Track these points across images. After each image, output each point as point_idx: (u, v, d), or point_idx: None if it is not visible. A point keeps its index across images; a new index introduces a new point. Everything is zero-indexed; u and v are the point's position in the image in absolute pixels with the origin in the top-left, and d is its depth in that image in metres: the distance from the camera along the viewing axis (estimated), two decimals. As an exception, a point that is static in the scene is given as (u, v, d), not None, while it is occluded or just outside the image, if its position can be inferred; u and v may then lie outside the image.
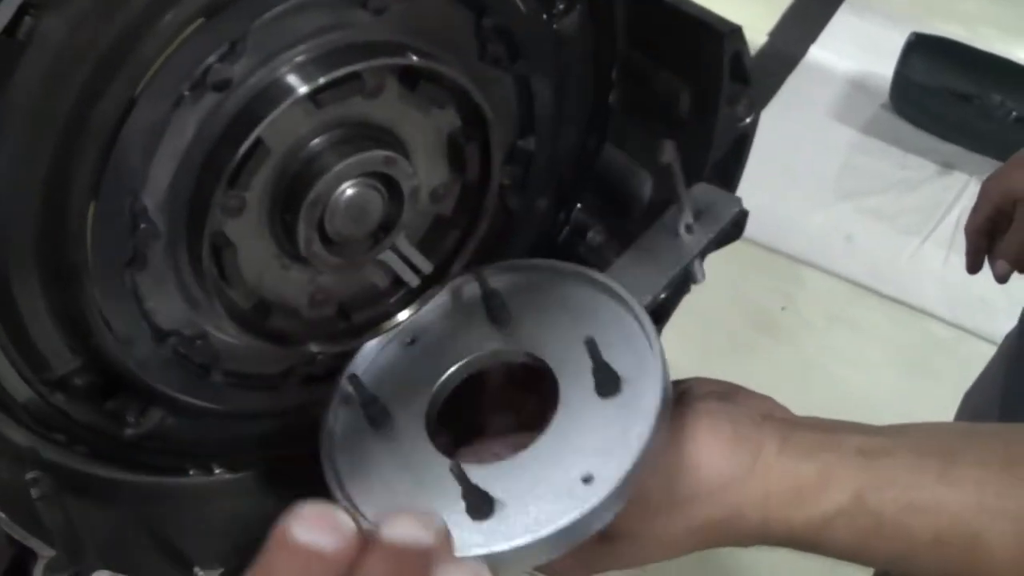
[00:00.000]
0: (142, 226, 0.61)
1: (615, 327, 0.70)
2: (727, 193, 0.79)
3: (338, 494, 0.67)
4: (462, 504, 0.63)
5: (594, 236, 0.82)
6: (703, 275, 0.78)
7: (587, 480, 0.63)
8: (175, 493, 0.73)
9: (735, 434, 0.67)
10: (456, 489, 0.63)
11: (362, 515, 0.65)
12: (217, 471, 0.75)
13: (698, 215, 0.76)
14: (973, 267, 1.63)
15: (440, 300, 0.75)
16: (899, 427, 0.69)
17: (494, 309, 0.73)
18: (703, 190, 0.78)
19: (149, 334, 0.66)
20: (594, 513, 0.62)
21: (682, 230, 0.76)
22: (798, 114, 2.66)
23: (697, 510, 0.67)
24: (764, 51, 2.79)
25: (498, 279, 0.74)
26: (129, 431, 0.69)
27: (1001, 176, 1.57)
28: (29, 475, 0.63)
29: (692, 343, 2.02)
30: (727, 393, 0.73)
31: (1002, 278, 1.59)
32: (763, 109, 2.73)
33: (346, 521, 0.49)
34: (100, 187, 0.58)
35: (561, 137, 0.77)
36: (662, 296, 0.75)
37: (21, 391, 0.64)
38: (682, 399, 0.70)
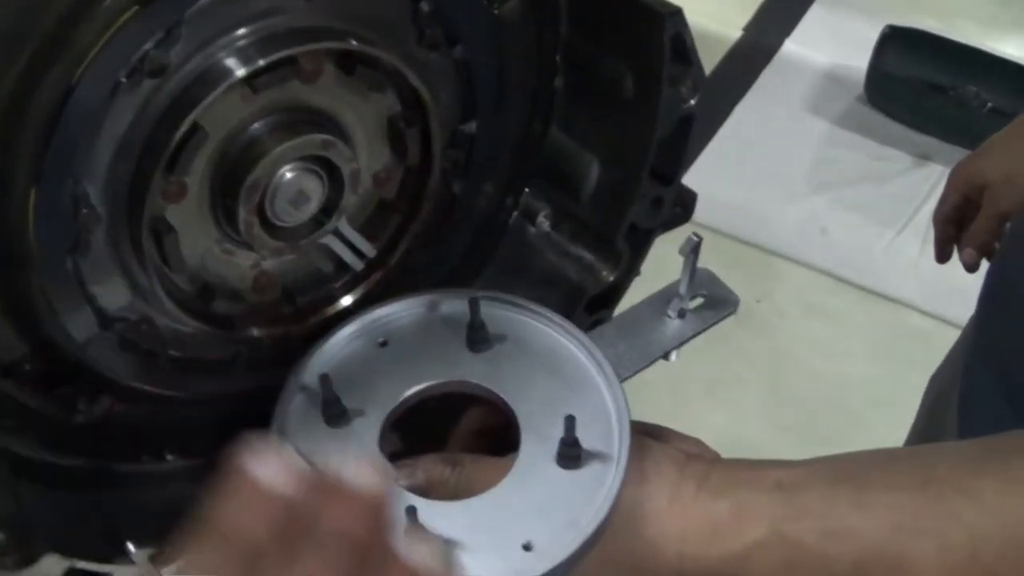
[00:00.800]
0: (83, 211, 0.61)
1: (591, 400, 0.70)
2: (727, 289, 0.81)
3: None
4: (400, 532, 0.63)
5: (543, 220, 0.83)
6: (676, 357, 0.80)
7: (527, 548, 0.63)
8: (127, 479, 0.73)
9: (655, 472, 0.68)
10: (400, 515, 0.62)
11: None
12: (169, 458, 0.75)
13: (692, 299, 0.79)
14: (941, 256, 1.64)
15: (420, 308, 0.75)
16: (817, 459, 0.69)
17: (476, 339, 0.73)
18: (705, 277, 0.79)
19: (94, 320, 0.66)
20: None
21: (674, 314, 0.77)
22: (773, 107, 2.68)
23: (612, 543, 0.66)
24: (739, 45, 2.80)
25: (488, 307, 0.74)
26: (79, 417, 0.69)
27: (967, 164, 1.58)
28: None
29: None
30: (655, 432, 0.73)
31: (971, 266, 1.60)
32: (738, 103, 2.75)
33: (300, 461, 0.50)
34: (41, 173, 0.59)
35: (505, 122, 0.77)
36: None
37: None
38: None
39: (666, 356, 0.78)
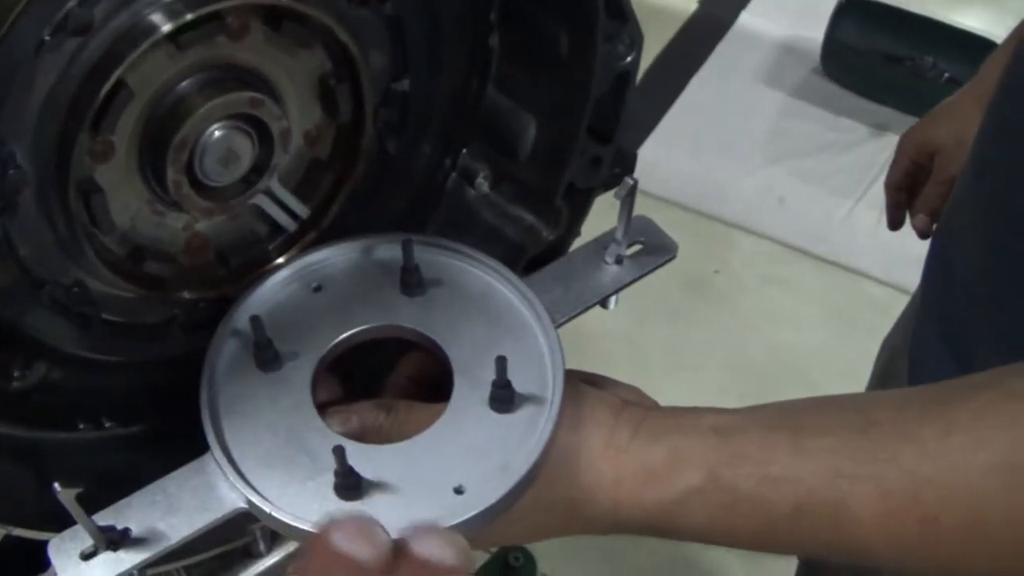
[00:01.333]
0: (10, 172, 0.61)
1: (525, 344, 0.70)
2: (665, 235, 0.80)
3: (209, 428, 0.66)
4: (331, 477, 0.63)
5: (481, 182, 0.82)
6: (615, 304, 0.79)
7: (459, 491, 0.63)
8: (65, 447, 0.73)
9: (591, 417, 0.67)
10: (330, 459, 0.62)
11: (228, 451, 0.65)
12: (108, 424, 0.74)
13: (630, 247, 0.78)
14: (893, 223, 1.64)
15: (354, 253, 0.75)
16: (755, 407, 0.69)
17: (410, 283, 0.72)
18: (643, 224, 0.78)
19: (26, 283, 0.66)
20: (457, 527, 0.62)
21: (611, 260, 0.77)
22: (729, 79, 2.68)
23: (547, 488, 0.66)
24: (695, 17, 2.80)
25: (422, 252, 0.73)
26: (15, 384, 0.68)
27: (917, 130, 1.59)
28: None
29: (627, 308, 2.02)
30: (593, 380, 0.73)
31: (923, 232, 1.61)
32: (694, 75, 2.75)
33: (380, 532, 0.54)
34: None
35: (440, 80, 0.77)
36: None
37: None
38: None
39: (603, 303, 0.78)
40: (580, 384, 0.70)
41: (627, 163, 0.83)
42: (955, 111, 1.54)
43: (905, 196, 1.61)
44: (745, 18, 2.85)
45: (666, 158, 2.38)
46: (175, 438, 0.75)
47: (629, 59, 0.75)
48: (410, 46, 0.73)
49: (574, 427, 0.66)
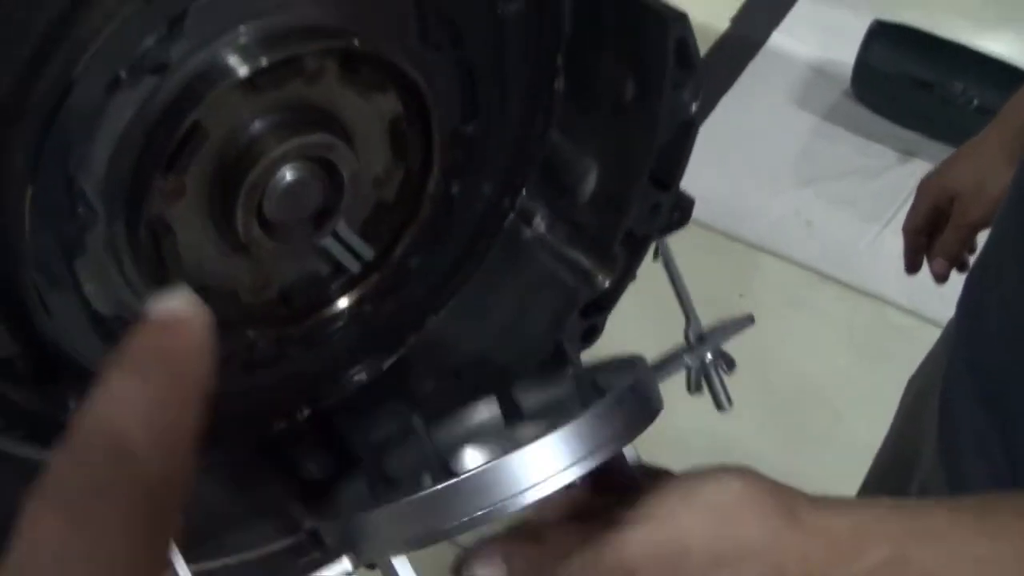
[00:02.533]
0: (80, 211, 0.61)
1: None
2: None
3: None
4: None
5: (539, 222, 0.82)
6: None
7: None
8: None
9: (772, 494, 0.67)
10: None
11: None
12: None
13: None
14: (911, 266, 1.64)
15: None
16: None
17: None
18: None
19: (88, 319, 0.66)
20: None
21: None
22: (759, 100, 2.68)
23: (739, 571, 0.65)
24: (726, 37, 2.80)
25: None
26: (70, 415, 0.69)
27: (937, 174, 1.59)
28: None
29: (650, 330, 2.03)
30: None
31: (941, 277, 1.61)
32: (724, 95, 2.75)
33: None
34: (37, 172, 0.58)
35: (505, 123, 0.77)
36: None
37: None
38: (707, 472, 0.70)
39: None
40: (741, 468, 0.70)
41: (685, 207, 0.83)
42: (976, 154, 1.54)
43: (924, 240, 1.61)
44: (777, 39, 2.85)
45: (693, 178, 2.37)
46: (224, 469, 0.76)
47: (693, 107, 0.75)
48: (479, 89, 0.73)
49: (758, 504, 0.66)
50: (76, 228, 0.61)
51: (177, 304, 0.41)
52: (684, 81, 0.73)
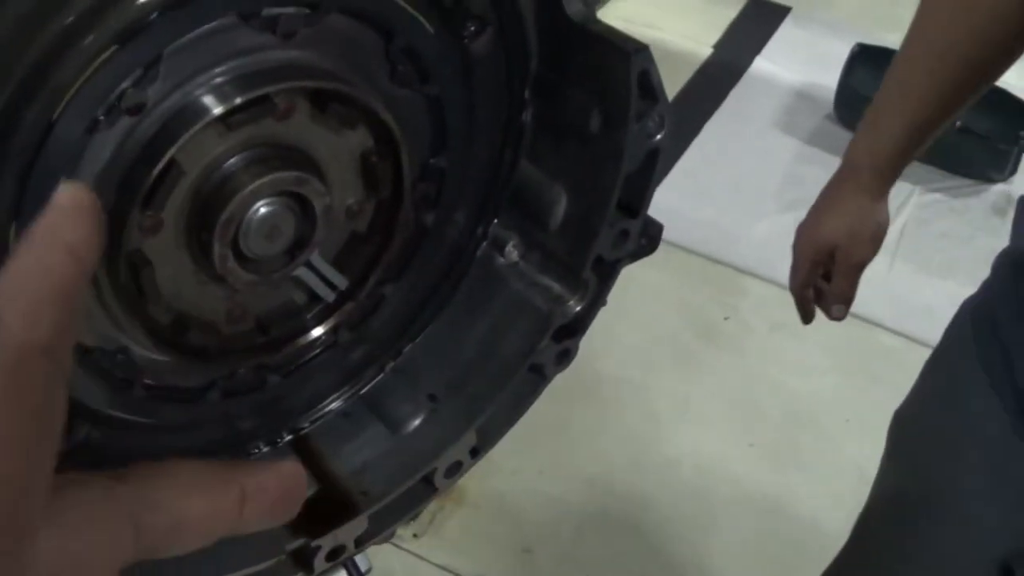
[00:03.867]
0: None
1: None
2: None
3: None
4: None
5: (511, 250, 0.84)
6: None
7: None
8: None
9: None
10: None
11: None
12: (144, 482, 0.76)
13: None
14: (806, 318, 1.69)
15: None
16: None
17: None
18: None
19: (74, 349, 0.68)
20: None
21: None
22: (743, 125, 2.70)
23: None
24: (709, 63, 2.83)
25: None
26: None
27: (808, 233, 1.65)
28: None
29: (638, 354, 2.06)
30: None
31: (841, 318, 1.66)
32: (708, 120, 2.77)
33: None
34: (20, 208, 0.60)
35: (475, 154, 0.79)
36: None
37: None
38: None
39: None
40: None
41: (653, 234, 0.85)
42: (840, 207, 1.59)
43: (812, 292, 1.66)
44: (759, 64, 2.87)
45: (678, 203, 2.40)
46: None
47: (659, 137, 0.77)
48: (449, 123, 0.75)
49: None
50: None
51: (56, 193, 0.46)
52: (648, 111, 0.76)
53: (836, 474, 2.05)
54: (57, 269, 0.46)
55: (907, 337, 2.33)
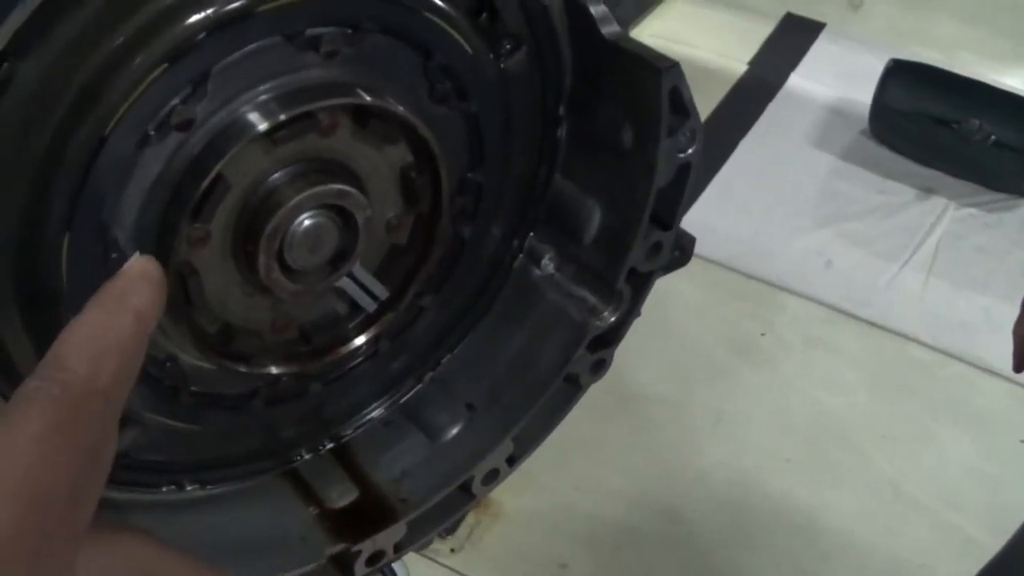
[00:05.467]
0: (113, 256, 0.65)
1: None
2: None
3: None
4: None
5: (547, 263, 0.86)
6: None
7: None
8: (149, 508, 0.77)
9: None
10: None
11: None
12: (189, 488, 0.78)
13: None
14: (1018, 366, 1.66)
15: None
16: None
17: None
18: None
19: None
20: None
21: None
22: (778, 141, 2.71)
23: None
24: (744, 80, 2.84)
25: None
26: None
27: None
28: None
29: (674, 368, 2.06)
30: None
31: None
32: (744, 137, 2.78)
33: None
34: (73, 220, 0.62)
35: (511, 169, 0.81)
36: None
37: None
38: None
39: None
40: None
41: (685, 246, 0.86)
42: None
43: None
44: (794, 80, 2.88)
45: (714, 219, 2.41)
46: (253, 498, 0.80)
47: (691, 151, 0.79)
48: (485, 139, 0.77)
49: None
50: (109, 273, 0.65)
51: (130, 260, 0.56)
52: (679, 127, 0.77)
53: (870, 489, 2.04)
54: (122, 328, 0.55)
55: (941, 352, 2.33)
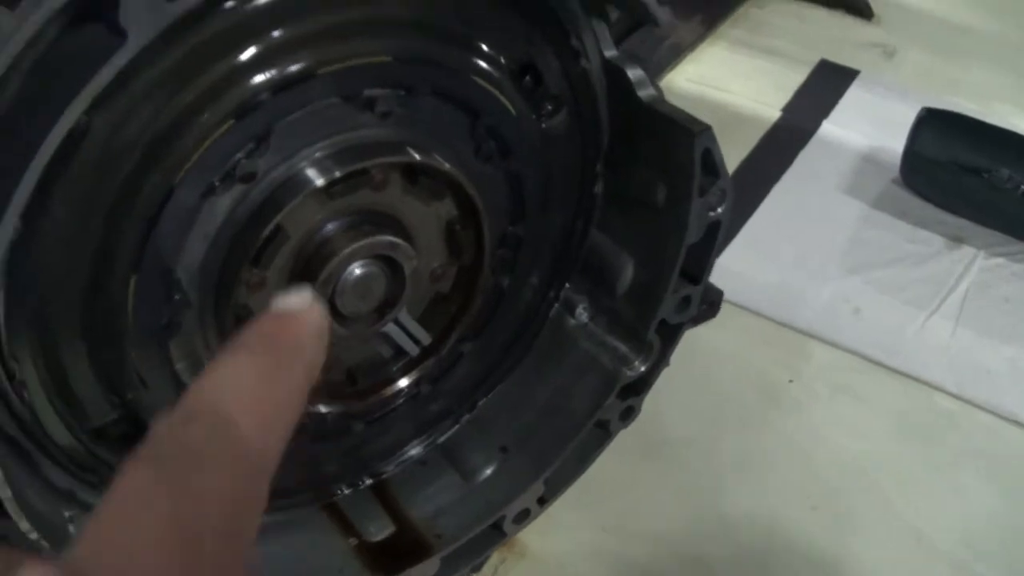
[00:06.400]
0: (176, 297, 0.69)
1: None
2: None
3: None
4: None
5: (581, 312, 0.90)
6: None
7: None
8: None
9: None
10: None
11: None
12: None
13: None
14: None
15: None
16: None
17: None
18: None
19: (177, 392, 0.73)
20: None
21: None
22: (809, 188, 2.72)
23: None
24: (777, 126, 2.86)
25: None
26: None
27: None
28: (67, 513, 0.71)
29: (702, 412, 2.08)
30: None
31: None
32: (775, 184, 2.80)
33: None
34: (141, 263, 0.66)
35: (550, 223, 0.84)
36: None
37: (62, 437, 0.71)
38: None
39: None
40: None
41: (714, 299, 0.90)
42: None
43: None
44: (827, 127, 2.90)
45: (744, 265, 2.42)
46: (294, 529, 0.83)
47: (720, 209, 0.82)
48: (526, 195, 0.81)
49: None
50: (171, 312, 0.70)
51: (295, 299, 0.46)
52: (710, 187, 0.81)
53: (894, 537, 2.04)
54: (298, 384, 0.46)
55: (966, 401, 2.32)
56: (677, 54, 2.81)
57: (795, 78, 3.02)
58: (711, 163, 0.79)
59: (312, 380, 0.46)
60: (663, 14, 0.71)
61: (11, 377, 0.67)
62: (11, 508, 0.63)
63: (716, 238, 0.83)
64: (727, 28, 3.04)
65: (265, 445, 0.43)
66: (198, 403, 0.42)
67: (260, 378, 0.43)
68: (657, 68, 2.61)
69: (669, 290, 0.84)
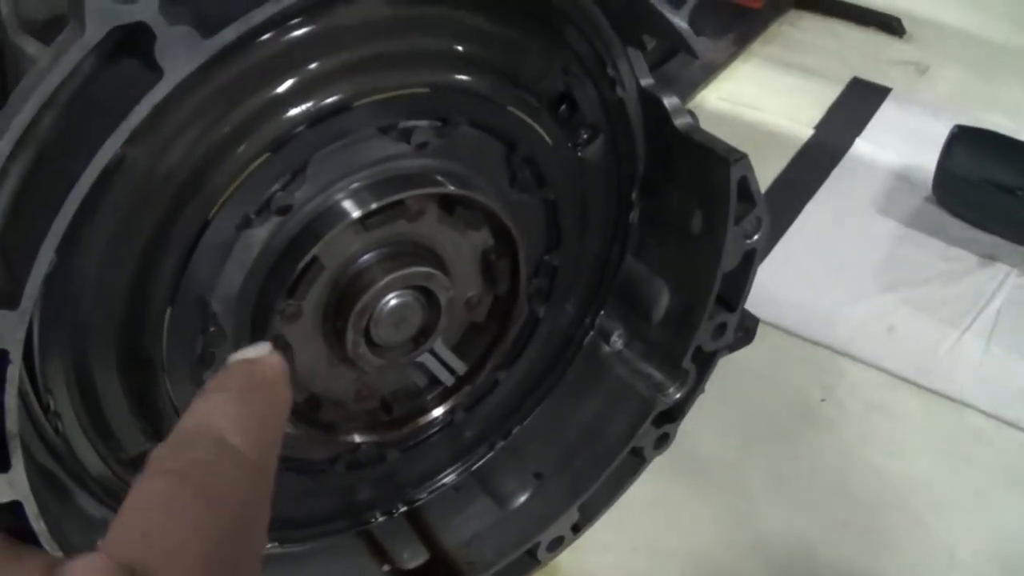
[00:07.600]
0: (211, 329, 0.69)
1: None
2: None
3: None
4: None
5: (616, 339, 0.89)
6: None
7: None
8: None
9: None
10: None
11: None
12: (269, 545, 0.82)
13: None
14: None
15: None
16: None
17: None
18: None
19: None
20: None
21: None
22: (842, 206, 2.71)
23: None
24: (810, 144, 2.85)
25: None
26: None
27: None
28: (100, 542, 0.71)
29: (735, 431, 2.08)
30: None
31: None
32: (808, 201, 2.79)
33: None
34: (176, 294, 0.67)
35: (585, 251, 0.84)
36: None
37: (95, 466, 0.71)
38: None
39: None
40: None
41: (749, 326, 0.89)
42: None
43: None
44: (860, 145, 2.88)
45: (778, 284, 2.41)
46: (329, 556, 0.83)
47: (756, 237, 0.82)
48: (562, 224, 0.81)
49: None
50: (206, 343, 0.70)
51: (254, 349, 0.52)
52: (746, 214, 0.80)
53: (927, 555, 2.03)
54: (274, 404, 0.52)
55: (999, 419, 2.31)
56: (710, 72, 2.80)
57: (827, 96, 3.01)
58: (747, 191, 0.79)
59: (285, 409, 0.52)
60: (701, 45, 0.71)
61: (46, 409, 0.67)
62: (45, 541, 0.63)
63: (752, 265, 0.83)
64: (759, 46, 3.02)
65: (259, 458, 0.48)
66: (192, 430, 0.47)
67: (239, 404, 0.49)
68: (689, 86, 2.61)
69: (705, 317, 0.84)
